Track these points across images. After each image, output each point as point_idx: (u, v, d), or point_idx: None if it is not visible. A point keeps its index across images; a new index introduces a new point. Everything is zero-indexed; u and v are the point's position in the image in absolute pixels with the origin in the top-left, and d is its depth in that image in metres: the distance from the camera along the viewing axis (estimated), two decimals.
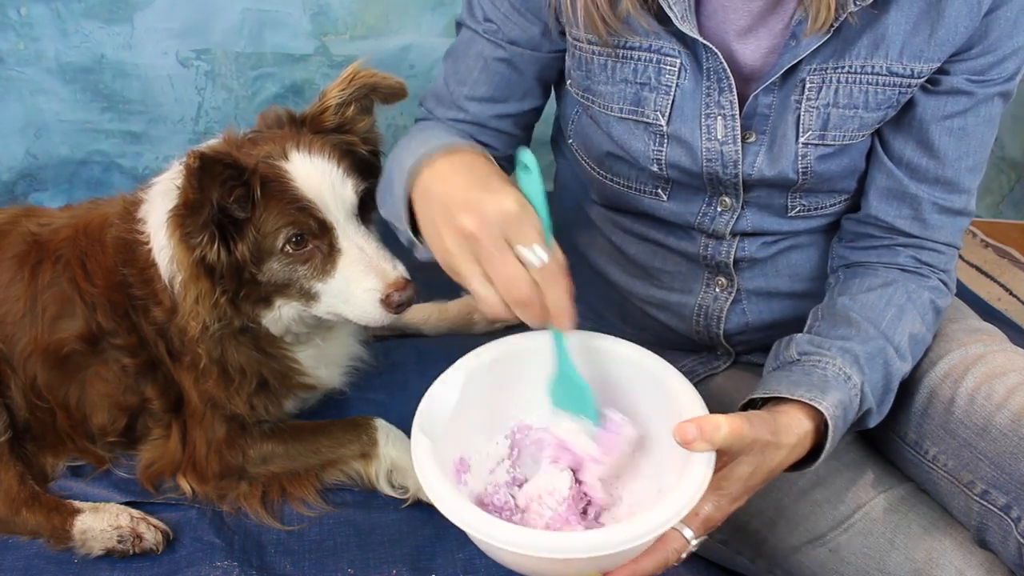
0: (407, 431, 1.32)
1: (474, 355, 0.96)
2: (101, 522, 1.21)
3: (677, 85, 1.00)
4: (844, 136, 1.01)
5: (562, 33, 1.07)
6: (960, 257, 2.19)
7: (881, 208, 1.07)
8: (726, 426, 0.81)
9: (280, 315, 1.21)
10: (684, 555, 0.85)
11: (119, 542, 1.19)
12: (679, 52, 0.99)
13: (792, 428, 0.91)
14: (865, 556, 1.01)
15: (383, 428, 1.31)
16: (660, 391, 0.91)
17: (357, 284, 1.14)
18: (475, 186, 0.81)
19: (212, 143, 1.19)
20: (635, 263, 1.19)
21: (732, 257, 1.12)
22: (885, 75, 0.98)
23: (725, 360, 1.22)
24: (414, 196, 0.88)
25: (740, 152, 1.02)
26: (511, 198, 0.79)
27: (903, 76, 0.98)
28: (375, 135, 1.28)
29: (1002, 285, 2.19)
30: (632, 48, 1.00)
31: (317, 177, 1.13)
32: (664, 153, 1.04)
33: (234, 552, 1.21)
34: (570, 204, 1.28)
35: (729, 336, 1.18)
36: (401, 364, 1.54)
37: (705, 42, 0.96)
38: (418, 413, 0.91)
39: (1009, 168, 2.33)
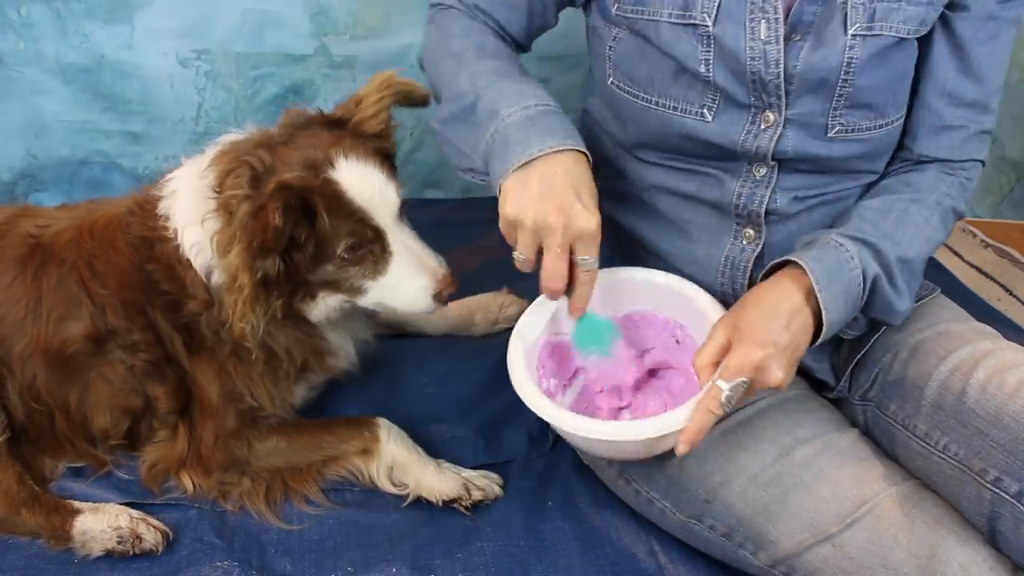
0: (407, 431, 1.34)
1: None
2: (101, 523, 1.21)
3: None
4: (891, 27, 1.07)
5: None
6: (960, 257, 2.19)
7: (928, 145, 1.18)
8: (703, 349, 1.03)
9: (323, 306, 1.26)
10: (723, 398, 0.98)
11: (119, 543, 1.19)
12: None
13: (760, 285, 1.08)
14: (869, 552, 1.02)
15: (385, 426, 1.32)
16: (683, 301, 1.15)
17: (409, 282, 1.22)
18: (575, 195, 0.99)
19: (238, 139, 1.23)
20: (664, 217, 1.22)
21: (764, 207, 1.15)
22: None
23: None
24: (528, 164, 1.00)
25: (782, 51, 1.06)
26: (595, 221, 1.00)
27: None
28: (395, 143, 1.32)
29: (1002, 285, 2.19)
30: None
31: (367, 185, 1.18)
32: (711, 54, 1.07)
33: (234, 552, 1.21)
34: (597, 164, 1.29)
35: None
36: (401, 364, 1.55)
37: None
38: (519, 323, 1.14)
39: (1009, 168, 2.33)
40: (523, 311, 1.12)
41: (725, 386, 0.98)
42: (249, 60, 1.94)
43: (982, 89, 1.15)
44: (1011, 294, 2.16)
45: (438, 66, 1.20)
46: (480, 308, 1.65)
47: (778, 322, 1.01)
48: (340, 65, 1.98)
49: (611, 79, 1.18)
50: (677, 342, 1.20)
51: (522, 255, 1.02)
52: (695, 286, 1.15)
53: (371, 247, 1.20)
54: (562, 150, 1.01)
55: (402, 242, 1.21)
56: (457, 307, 1.64)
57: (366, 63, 1.98)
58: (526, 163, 1.00)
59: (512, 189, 1.01)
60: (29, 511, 1.23)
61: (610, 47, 1.17)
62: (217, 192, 1.16)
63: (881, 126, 1.14)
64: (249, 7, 1.88)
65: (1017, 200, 2.39)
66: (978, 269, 2.24)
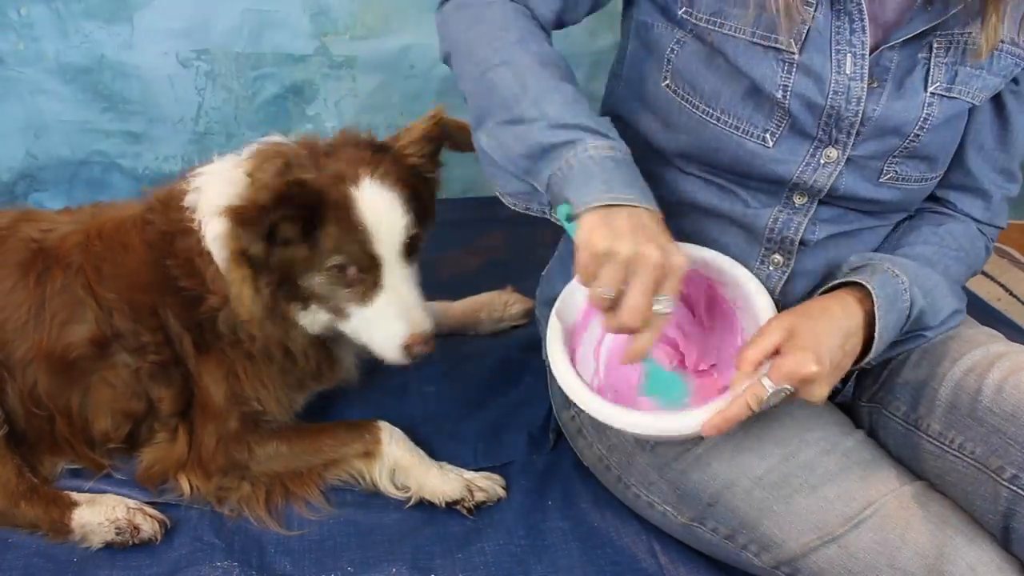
0: (408, 432, 1.34)
1: None
2: (99, 515, 1.21)
3: (813, 17, 1.04)
4: (968, 93, 1.08)
5: None
6: None
7: (963, 203, 1.22)
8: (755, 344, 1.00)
9: (313, 319, 1.25)
10: (765, 397, 0.97)
11: (117, 534, 1.19)
12: None
13: (825, 297, 1.07)
14: (875, 552, 1.02)
15: (386, 428, 1.32)
16: (742, 295, 1.11)
17: (387, 324, 1.21)
18: (665, 236, 0.96)
19: (281, 140, 1.25)
20: (690, 233, 1.18)
21: (800, 236, 1.14)
22: (1009, 44, 1.08)
23: None
24: (614, 206, 0.96)
25: (865, 91, 1.05)
26: (684, 259, 0.96)
27: (1022, 48, 1.09)
28: (437, 183, 1.31)
29: (1002, 285, 2.19)
30: None
31: (381, 208, 1.18)
32: (791, 81, 1.05)
33: (234, 552, 1.21)
34: None
35: None
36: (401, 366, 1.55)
37: None
38: (559, 299, 1.11)
39: None
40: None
41: (771, 387, 0.97)
42: (249, 60, 1.94)
43: (1014, 158, 1.19)
44: (1011, 294, 2.17)
45: (475, 64, 1.08)
46: (485, 306, 1.65)
47: (836, 340, 1.01)
48: (340, 65, 1.98)
49: (668, 81, 1.13)
50: (708, 295, 1.19)
51: (605, 291, 0.94)
52: (739, 265, 1.12)
53: (363, 275, 1.20)
54: (646, 207, 0.97)
55: (396, 280, 1.21)
56: (462, 305, 1.64)
57: (366, 63, 1.98)
58: (611, 205, 0.95)
59: (600, 222, 0.94)
60: (28, 503, 1.22)
61: (672, 49, 1.12)
62: (249, 177, 1.19)
63: (928, 179, 1.15)
64: (249, 7, 1.88)
65: (1017, 200, 2.39)
66: None
